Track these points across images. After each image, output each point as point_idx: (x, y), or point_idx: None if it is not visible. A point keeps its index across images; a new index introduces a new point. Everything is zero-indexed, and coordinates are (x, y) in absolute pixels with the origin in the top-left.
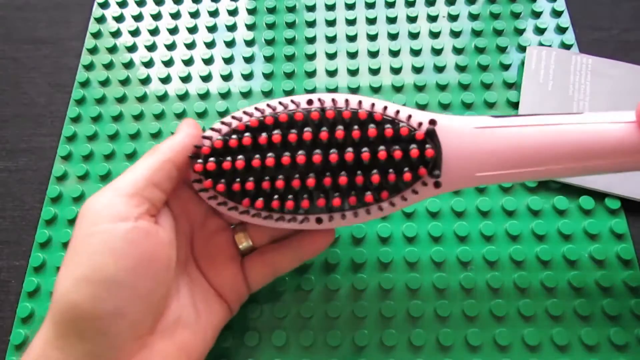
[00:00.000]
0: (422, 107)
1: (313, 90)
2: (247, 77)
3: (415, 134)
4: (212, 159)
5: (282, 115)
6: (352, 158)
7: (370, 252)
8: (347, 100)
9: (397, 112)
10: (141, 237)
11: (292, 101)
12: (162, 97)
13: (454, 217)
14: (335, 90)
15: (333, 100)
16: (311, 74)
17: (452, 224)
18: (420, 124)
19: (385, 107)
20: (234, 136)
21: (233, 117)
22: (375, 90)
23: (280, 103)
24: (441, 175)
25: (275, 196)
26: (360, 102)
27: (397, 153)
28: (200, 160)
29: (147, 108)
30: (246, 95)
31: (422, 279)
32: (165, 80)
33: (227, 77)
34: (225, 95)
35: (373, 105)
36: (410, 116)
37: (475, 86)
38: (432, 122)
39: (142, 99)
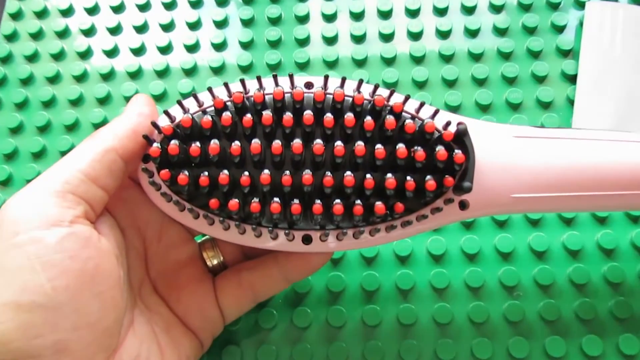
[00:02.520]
0: (450, 82)
1: (306, 64)
2: (219, 47)
3: (443, 133)
4: (174, 141)
5: (277, 92)
6: (362, 153)
7: (385, 275)
8: (360, 82)
9: (421, 105)
10: (79, 246)
11: (291, 81)
12: (107, 76)
13: (494, 228)
14: (335, 63)
15: (344, 79)
16: (303, 42)
17: (491, 237)
18: (448, 124)
19: (407, 98)
20: (206, 115)
21: (195, 97)
22: (388, 61)
23: (259, 83)
24: (472, 188)
25: (255, 199)
26: (376, 88)
27: (420, 154)
28: (157, 144)
29: (87, 90)
30: (218, 71)
31: (452, 309)
32: (111, 53)
33: (192, 48)
34: (190, 72)
35: (392, 93)
36: (436, 112)
37: (519, 55)
38: (461, 123)
39: (80, 78)
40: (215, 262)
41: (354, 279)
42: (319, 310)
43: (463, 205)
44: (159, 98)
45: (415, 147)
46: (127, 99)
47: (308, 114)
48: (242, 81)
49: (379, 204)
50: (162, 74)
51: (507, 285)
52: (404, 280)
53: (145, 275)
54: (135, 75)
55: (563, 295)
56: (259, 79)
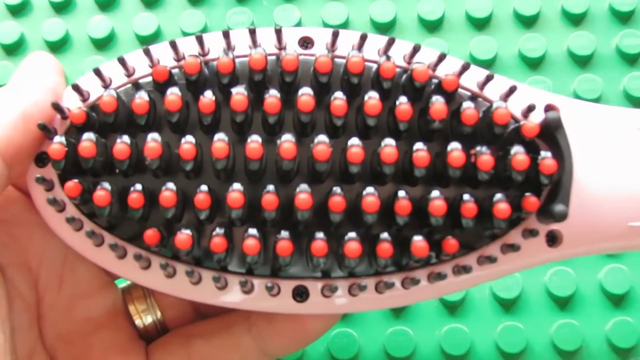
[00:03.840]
0: (528, 20)
1: (299, 25)
2: None
3: (522, 125)
4: (89, 135)
5: (255, 58)
6: (392, 158)
7: (424, 332)
8: (390, 42)
9: (487, 79)
10: None
11: (278, 37)
12: None
13: (602, 259)
14: (345, 24)
15: (363, 36)
16: None
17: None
18: (529, 110)
19: (466, 67)
20: (140, 93)
21: (121, 62)
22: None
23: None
24: (568, 215)
25: (218, 231)
26: (415, 51)
27: (485, 161)
28: (60, 137)
29: None
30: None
31: None
32: None
33: None
34: (106, 4)
35: (442, 58)
36: (512, 90)
37: None
38: (551, 108)
39: None
40: (148, 320)
41: (373, 339)
42: None
43: (553, 240)
44: (58, 47)
45: (479, 149)
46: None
47: (305, 95)
48: (199, 38)
49: (418, 240)
50: (61, 8)
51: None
52: (453, 340)
53: (38, 340)
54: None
55: None
56: (225, 35)
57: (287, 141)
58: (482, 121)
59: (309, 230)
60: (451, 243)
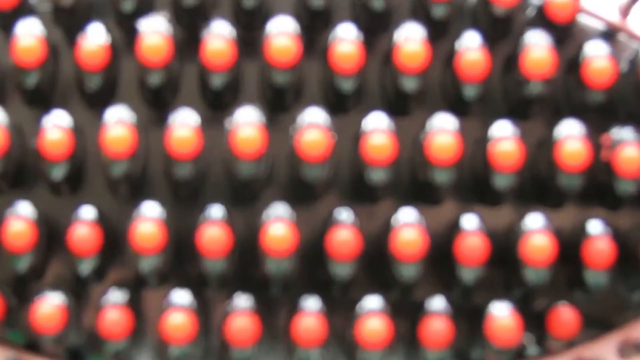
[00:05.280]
0: None
1: None
2: None
3: None
4: None
5: None
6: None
7: None
8: None
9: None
10: None
11: None
12: None
13: None
14: None
15: None
16: None
17: None
18: None
19: None
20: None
21: None
22: None
23: None
24: None
25: (115, 294)
26: None
27: (631, 155)
28: None
29: None
30: None
31: None
32: None
33: None
34: None
35: None
36: None
37: None
38: None
39: None
40: None
41: None
42: None
43: None
44: None
45: (617, 134)
46: None
47: (282, 36)
48: None
49: (504, 318)
50: None
51: None
52: None
53: None
54: None
55: None
56: None
57: (246, 123)
58: (626, 80)
59: (290, 294)
60: (565, 318)
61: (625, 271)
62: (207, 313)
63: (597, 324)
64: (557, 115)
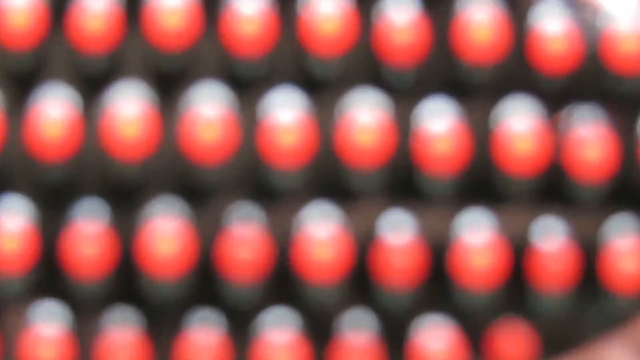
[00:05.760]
0: None
1: None
2: None
3: None
4: None
5: None
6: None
7: None
8: None
9: None
10: None
11: None
12: None
13: None
14: None
15: None
16: None
17: None
18: None
19: None
20: None
21: None
22: None
23: None
24: None
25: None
26: None
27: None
28: None
29: None
30: None
31: None
32: None
33: None
34: None
35: None
36: None
37: None
38: None
39: None
40: None
41: None
42: None
43: None
44: None
45: (564, 121)
46: None
47: None
48: None
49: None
50: None
51: None
52: None
53: None
54: None
55: None
56: None
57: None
58: (587, 59)
59: (175, 316)
60: (502, 339)
61: (583, 287)
62: (83, 342)
63: (552, 345)
64: (493, 95)
